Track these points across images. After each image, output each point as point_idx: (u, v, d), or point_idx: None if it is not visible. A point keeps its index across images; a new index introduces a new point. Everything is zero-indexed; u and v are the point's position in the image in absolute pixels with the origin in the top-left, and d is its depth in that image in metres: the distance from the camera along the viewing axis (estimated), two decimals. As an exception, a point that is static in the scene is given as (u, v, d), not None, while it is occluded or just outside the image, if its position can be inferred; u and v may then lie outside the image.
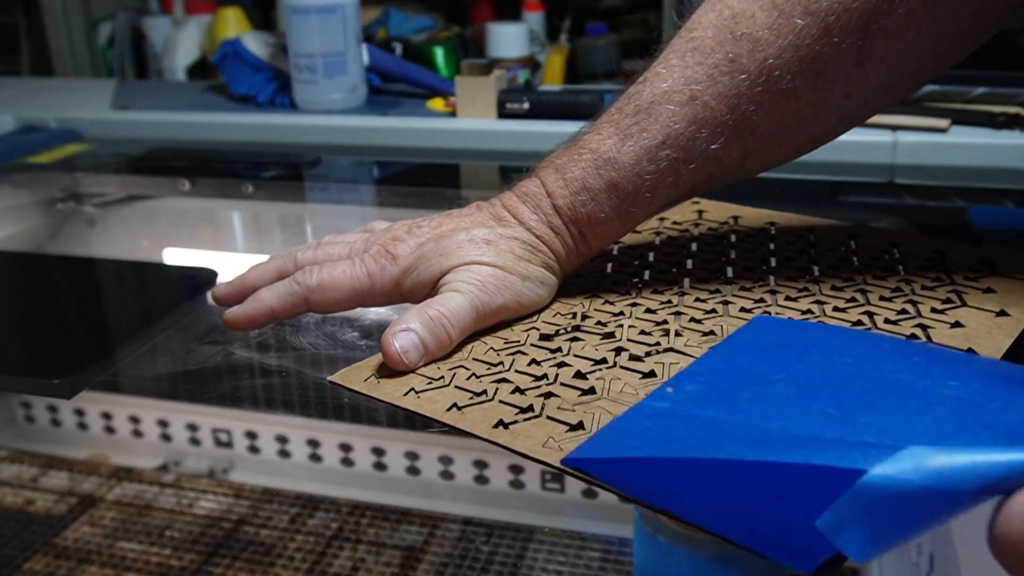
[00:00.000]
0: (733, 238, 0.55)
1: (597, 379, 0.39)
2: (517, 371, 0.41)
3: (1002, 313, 0.43)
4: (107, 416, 1.11)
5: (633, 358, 0.41)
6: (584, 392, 0.38)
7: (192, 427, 1.08)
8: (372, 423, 0.99)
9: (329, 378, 0.42)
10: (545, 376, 0.40)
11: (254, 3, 1.63)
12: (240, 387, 0.46)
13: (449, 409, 0.38)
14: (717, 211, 0.60)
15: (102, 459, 1.11)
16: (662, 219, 0.59)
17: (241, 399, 0.47)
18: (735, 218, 0.59)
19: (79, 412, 1.12)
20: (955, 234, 0.57)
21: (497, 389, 0.39)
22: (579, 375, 0.40)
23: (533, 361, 0.41)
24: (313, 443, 1.04)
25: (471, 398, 0.39)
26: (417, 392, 0.40)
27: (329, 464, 1.04)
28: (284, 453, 1.05)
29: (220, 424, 1.07)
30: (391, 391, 0.40)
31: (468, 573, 0.86)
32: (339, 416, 1.08)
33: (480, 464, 0.96)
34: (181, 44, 1.49)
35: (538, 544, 0.88)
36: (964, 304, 0.45)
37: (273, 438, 1.05)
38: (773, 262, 0.51)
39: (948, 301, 0.45)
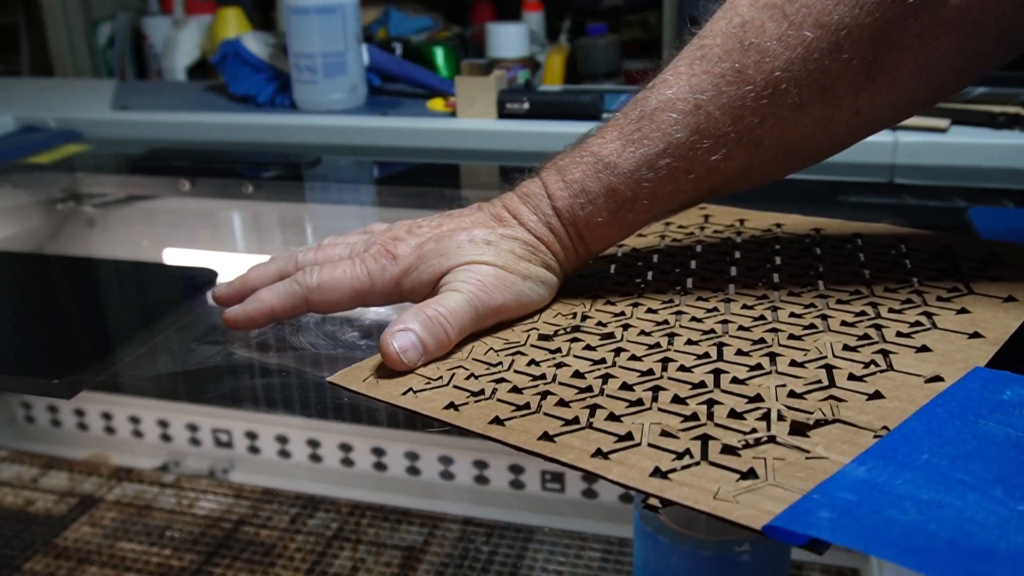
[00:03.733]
0: (738, 239, 0.55)
1: (595, 378, 0.39)
2: (516, 371, 0.41)
3: (1009, 299, 0.43)
4: (107, 416, 1.11)
5: (632, 358, 0.41)
6: (581, 391, 0.38)
7: (192, 427, 1.08)
8: (372, 423, 0.99)
9: (328, 378, 0.42)
10: (543, 376, 0.40)
11: (254, 3, 1.63)
12: (240, 387, 0.46)
13: (447, 408, 0.38)
14: (723, 215, 0.60)
15: (102, 459, 1.11)
16: (668, 223, 0.59)
17: (241, 399, 0.47)
18: (741, 221, 0.59)
19: (79, 412, 1.12)
20: (955, 234, 0.57)
21: (495, 389, 0.39)
22: (577, 375, 0.40)
23: (532, 361, 0.42)
24: (313, 443, 1.04)
25: (468, 397, 0.39)
26: (415, 392, 0.40)
27: (329, 464, 1.04)
28: (284, 453, 1.05)
29: (220, 424, 1.07)
30: (389, 391, 0.40)
31: (468, 573, 0.86)
32: (339, 416, 1.08)
33: (480, 464, 0.96)
34: (181, 44, 1.49)
35: (538, 544, 0.88)
36: (971, 292, 0.45)
37: (273, 438, 1.05)
38: (777, 260, 0.51)
39: (954, 290, 0.45)
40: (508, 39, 1.38)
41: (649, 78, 0.45)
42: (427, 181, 0.88)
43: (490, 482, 0.96)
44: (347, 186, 0.88)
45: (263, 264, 0.50)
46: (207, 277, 0.58)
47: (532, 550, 0.88)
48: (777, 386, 0.37)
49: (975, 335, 0.40)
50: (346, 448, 1.02)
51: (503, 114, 0.90)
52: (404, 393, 0.40)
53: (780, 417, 0.35)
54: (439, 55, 1.20)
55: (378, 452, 1.01)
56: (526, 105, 0.90)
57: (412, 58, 1.15)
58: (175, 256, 0.77)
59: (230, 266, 0.66)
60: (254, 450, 1.06)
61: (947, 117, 0.81)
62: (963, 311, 0.43)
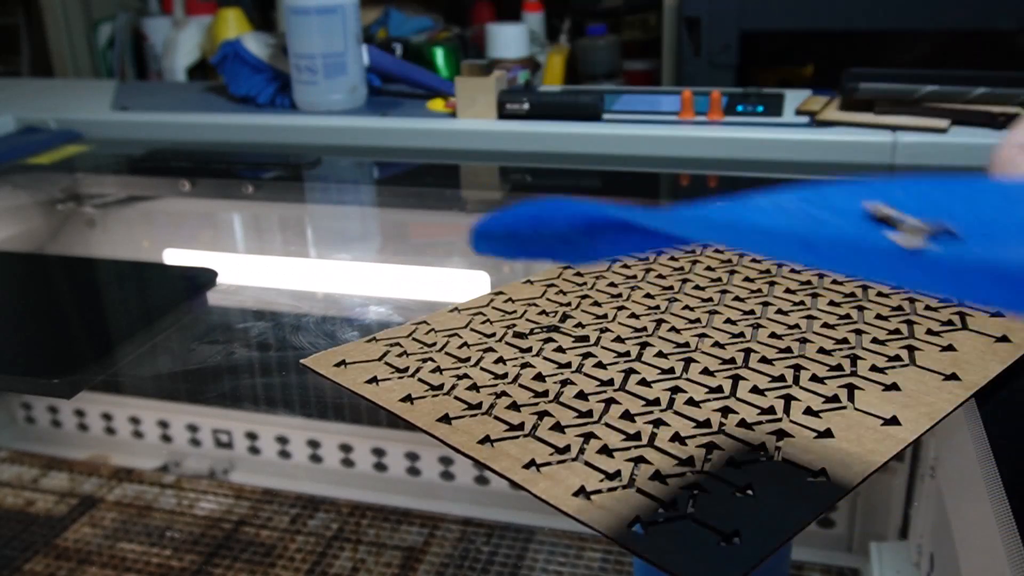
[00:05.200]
0: None
1: (555, 383, 0.39)
2: (482, 368, 0.41)
3: (1003, 339, 0.41)
4: (107, 417, 1.11)
5: (598, 365, 0.41)
6: (537, 395, 0.38)
7: (192, 428, 1.08)
8: (372, 424, 0.99)
9: (302, 361, 0.43)
10: (506, 375, 0.40)
11: (254, 4, 1.63)
12: (240, 387, 0.46)
13: (403, 400, 0.39)
14: None
15: (102, 460, 1.11)
16: None
17: (241, 399, 0.47)
18: None
19: (79, 413, 1.12)
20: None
21: (455, 384, 0.40)
22: (539, 377, 0.40)
23: (500, 359, 0.42)
24: (313, 444, 1.04)
25: (427, 391, 0.39)
26: (379, 381, 0.40)
27: (329, 465, 1.04)
28: (284, 454, 1.05)
29: (220, 425, 1.07)
30: (354, 378, 0.41)
31: (468, 574, 0.86)
32: (339, 416, 1.08)
33: (480, 464, 0.96)
34: (181, 45, 1.49)
35: (538, 544, 0.88)
36: (965, 327, 0.43)
37: (273, 439, 1.05)
38: (778, 273, 0.50)
39: (949, 323, 0.43)
40: (508, 40, 1.38)
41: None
42: (427, 181, 0.88)
43: (490, 482, 0.96)
44: (347, 187, 0.88)
45: None
46: (207, 277, 0.58)
47: (532, 550, 0.88)
48: (729, 413, 0.36)
49: (952, 377, 0.38)
50: (346, 448, 1.02)
51: (503, 115, 0.90)
52: (368, 381, 0.40)
53: (720, 447, 0.34)
54: (439, 56, 1.19)
55: (378, 452, 1.01)
56: (526, 106, 0.90)
57: (412, 59, 1.15)
58: (175, 256, 0.77)
59: (230, 266, 0.66)
60: (254, 450, 1.06)
61: (947, 117, 0.81)
62: (949, 348, 0.41)
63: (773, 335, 0.43)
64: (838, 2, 1.22)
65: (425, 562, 0.88)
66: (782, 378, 0.39)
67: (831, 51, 1.36)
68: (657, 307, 0.46)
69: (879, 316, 0.44)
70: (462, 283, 0.68)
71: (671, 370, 0.40)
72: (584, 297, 0.48)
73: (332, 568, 0.88)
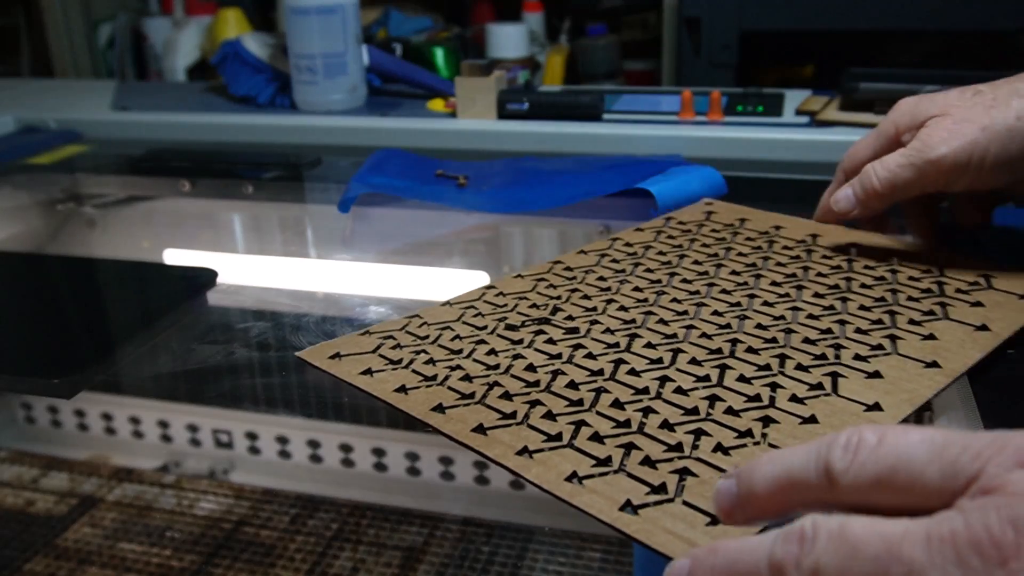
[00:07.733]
0: (732, 239, 0.55)
1: (546, 373, 0.40)
2: (474, 359, 0.41)
3: (982, 327, 0.42)
4: (107, 417, 1.11)
5: (588, 356, 0.41)
6: (529, 384, 0.39)
7: (192, 428, 1.08)
8: (372, 424, 0.99)
9: (297, 353, 0.43)
10: (498, 366, 0.41)
11: (254, 4, 1.63)
12: (240, 387, 0.46)
13: (396, 391, 0.39)
14: (725, 212, 0.60)
15: (102, 460, 1.11)
16: (669, 218, 0.59)
17: (241, 399, 0.47)
18: (741, 220, 0.58)
19: (79, 413, 1.12)
20: (953, 233, 0.57)
21: (448, 375, 0.40)
22: (530, 368, 0.40)
23: (492, 351, 0.42)
24: (313, 444, 1.04)
25: (420, 381, 0.40)
26: (373, 373, 0.41)
27: (329, 465, 1.04)
28: (284, 454, 1.05)
29: (220, 425, 1.07)
30: (349, 370, 0.41)
31: (468, 574, 0.86)
32: (339, 416, 1.08)
33: (480, 464, 0.96)
34: (181, 45, 1.49)
35: (538, 544, 0.88)
36: (946, 317, 0.44)
37: (273, 439, 1.05)
38: (764, 266, 0.51)
39: (930, 313, 0.44)
40: (508, 39, 1.38)
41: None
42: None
43: (490, 482, 0.96)
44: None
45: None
46: (207, 277, 0.58)
47: (532, 550, 0.88)
48: (716, 400, 0.37)
49: (932, 364, 0.39)
50: (346, 448, 1.02)
51: (503, 114, 0.90)
52: (362, 373, 0.41)
53: (708, 433, 0.34)
54: (439, 55, 1.19)
55: (378, 452, 1.01)
56: (526, 106, 0.90)
57: (412, 59, 1.15)
58: (175, 256, 0.77)
59: (230, 266, 0.66)
60: (254, 450, 1.06)
61: (947, 117, 0.81)
62: (930, 337, 0.41)
63: (759, 326, 0.43)
64: (838, 2, 1.22)
65: (425, 562, 0.88)
66: (768, 367, 0.39)
67: (831, 51, 1.36)
68: (646, 300, 0.47)
69: (862, 307, 0.45)
70: (462, 283, 0.68)
71: (660, 360, 0.40)
72: (574, 291, 0.48)
73: (332, 568, 0.88)
